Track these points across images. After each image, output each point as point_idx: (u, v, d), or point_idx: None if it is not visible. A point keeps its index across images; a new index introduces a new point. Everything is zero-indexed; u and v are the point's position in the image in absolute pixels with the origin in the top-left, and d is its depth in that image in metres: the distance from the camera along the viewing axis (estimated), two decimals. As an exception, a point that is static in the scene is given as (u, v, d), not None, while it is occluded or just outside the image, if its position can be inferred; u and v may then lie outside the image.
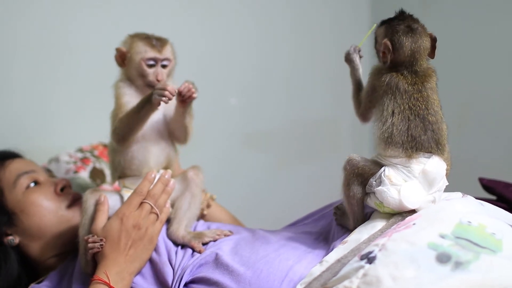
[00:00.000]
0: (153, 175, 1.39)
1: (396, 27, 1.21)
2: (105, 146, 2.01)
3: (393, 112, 1.17)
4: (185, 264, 1.32)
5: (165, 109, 1.44)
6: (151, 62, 1.40)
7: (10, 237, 1.51)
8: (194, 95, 1.38)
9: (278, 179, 2.80)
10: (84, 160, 1.91)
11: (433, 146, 1.16)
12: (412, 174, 1.15)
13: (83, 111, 2.15)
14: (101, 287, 1.26)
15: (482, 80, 2.46)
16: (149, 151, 1.43)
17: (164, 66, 1.42)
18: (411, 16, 1.24)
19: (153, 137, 1.43)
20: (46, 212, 1.51)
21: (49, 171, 1.72)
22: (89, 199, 1.42)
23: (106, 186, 1.87)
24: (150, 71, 1.40)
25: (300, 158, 2.90)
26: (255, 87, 2.71)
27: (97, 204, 1.39)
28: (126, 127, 1.39)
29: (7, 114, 2.01)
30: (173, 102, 1.42)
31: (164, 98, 1.29)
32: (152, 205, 1.36)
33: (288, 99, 2.84)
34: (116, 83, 1.46)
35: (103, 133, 2.08)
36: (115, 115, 1.42)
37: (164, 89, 1.29)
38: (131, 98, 1.42)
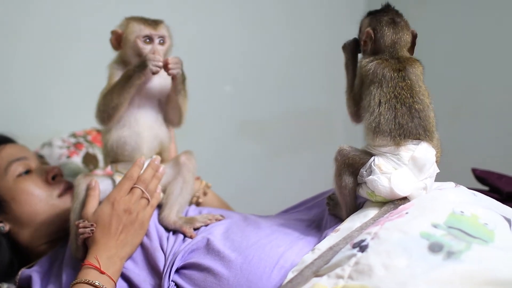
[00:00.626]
0: (142, 161, 1.39)
1: (380, 18, 1.25)
2: (98, 131, 2.00)
3: (379, 102, 1.18)
4: (176, 249, 1.32)
5: (160, 92, 1.44)
6: (147, 40, 1.40)
7: (0, 224, 1.51)
8: (172, 71, 1.37)
9: (272, 168, 2.80)
10: (77, 145, 1.91)
11: (421, 133, 1.17)
12: (402, 162, 1.16)
13: (76, 96, 2.14)
14: (92, 271, 1.26)
15: (476, 72, 2.47)
16: (142, 137, 1.42)
17: (160, 44, 1.42)
18: (396, 10, 1.27)
19: (146, 122, 1.43)
20: (37, 200, 1.51)
21: (41, 157, 1.71)
22: (81, 183, 1.41)
23: (98, 171, 1.86)
24: (146, 47, 1.39)
25: (294, 147, 2.90)
26: (250, 75, 2.70)
27: (88, 189, 1.39)
28: (110, 103, 1.39)
29: (0, 100, 2.00)
30: (168, 83, 1.42)
31: (154, 62, 1.32)
32: (143, 189, 1.36)
33: (283, 88, 2.83)
34: (110, 64, 1.46)
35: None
36: (104, 94, 1.42)
37: (154, 56, 1.33)
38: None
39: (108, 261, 1.28)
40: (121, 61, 1.45)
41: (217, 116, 2.56)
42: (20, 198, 1.50)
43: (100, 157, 1.92)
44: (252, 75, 2.71)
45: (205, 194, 1.61)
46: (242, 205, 1.92)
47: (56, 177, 1.56)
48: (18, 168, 1.52)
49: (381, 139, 1.17)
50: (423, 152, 1.15)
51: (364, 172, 1.18)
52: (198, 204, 1.59)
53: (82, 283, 1.24)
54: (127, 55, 1.42)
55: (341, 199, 1.23)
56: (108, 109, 1.39)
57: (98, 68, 1.48)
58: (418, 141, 1.17)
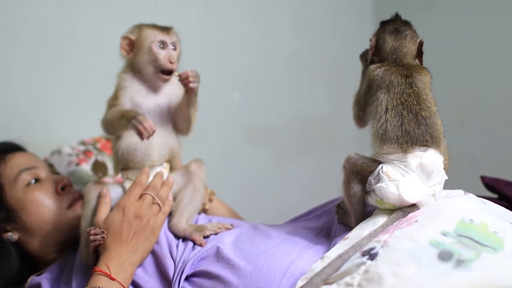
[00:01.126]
0: (147, 170, 1.41)
1: (385, 27, 1.27)
2: (107, 139, 2.01)
3: (386, 108, 1.19)
4: (186, 257, 1.32)
5: (170, 101, 1.45)
6: (161, 45, 1.41)
7: (9, 234, 1.50)
8: (191, 84, 1.38)
9: (278, 174, 2.80)
10: (86, 153, 1.91)
11: (428, 140, 1.17)
12: (410, 169, 1.16)
13: (85, 104, 2.14)
14: (102, 278, 1.26)
15: (484, 78, 2.47)
16: (152, 144, 1.42)
17: (173, 50, 1.43)
18: (403, 20, 1.29)
19: (156, 130, 1.43)
20: (47, 210, 1.51)
21: (51, 166, 1.71)
22: (92, 191, 1.42)
23: (108, 179, 1.87)
24: (162, 53, 1.40)
25: (300, 153, 2.90)
26: (257, 82, 2.71)
27: (99, 197, 1.39)
28: (110, 126, 1.42)
29: (10, 106, 2.01)
30: (179, 92, 1.42)
31: (140, 128, 1.31)
32: (153, 196, 1.36)
33: (289, 95, 2.84)
34: (120, 74, 1.46)
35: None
36: (110, 104, 1.43)
37: (142, 123, 1.31)
38: (130, 92, 1.42)
39: (119, 267, 1.29)
40: (131, 69, 1.45)
41: (223, 122, 2.57)
42: (30, 208, 1.50)
43: (109, 164, 1.92)
44: (259, 82, 2.72)
45: (210, 200, 1.62)
46: (248, 211, 1.92)
47: (66, 187, 1.56)
48: (27, 177, 1.52)
49: (389, 147, 1.18)
50: (430, 159, 1.16)
51: (373, 180, 1.18)
52: (204, 211, 1.59)
53: None
54: (140, 61, 1.43)
55: (350, 207, 1.23)
56: (109, 129, 1.44)
57: (108, 76, 1.49)
58: (426, 148, 1.17)
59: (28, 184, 1.52)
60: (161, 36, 1.40)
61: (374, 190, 1.18)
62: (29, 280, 1.46)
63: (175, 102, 1.45)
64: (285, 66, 2.80)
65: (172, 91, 1.45)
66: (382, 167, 1.18)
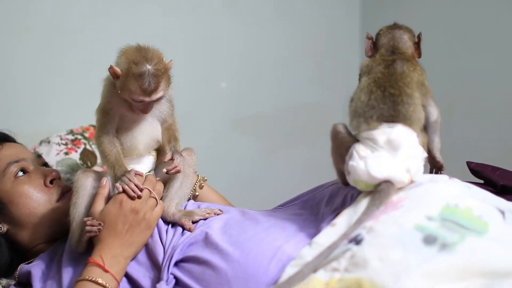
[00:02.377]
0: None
1: (382, 28, 1.32)
2: (95, 127, 2.01)
3: (361, 89, 1.21)
4: (175, 243, 1.32)
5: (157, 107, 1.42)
6: (140, 102, 1.32)
7: None
8: (180, 169, 1.38)
9: (269, 163, 2.81)
10: (75, 142, 1.91)
11: (393, 115, 1.17)
12: (378, 145, 1.16)
13: (73, 93, 2.15)
14: (96, 269, 1.27)
15: (471, 65, 2.49)
16: (137, 139, 1.41)
17: (154, 102, 1.35)
18: (401, 25, 1.32)
19: (139, 129, 1.41)
20: (36, 204, 1.50)
21: (39, 156, 1.70)
22: (80, 179, 1.41)
23: (97, 168, 1.87)
24: (138, 105, 1.33)
25: (290, 142, 2.90)
26: (246, 71, 2.71)
27: (98, 187, 1.39)
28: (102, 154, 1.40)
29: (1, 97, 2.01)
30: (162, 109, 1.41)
31: (126, 188, 1.31)
32: (151, 189, 1.36)
33: (279, 83, 2.84)
34: (106, 84, 1.39)
35: (93, 116, 2.09)
36: (98, 115, 1.40)
37: (129, 184, 1.31)
38: (115, 107, 1.38)
39: (112, 260, 1.29)
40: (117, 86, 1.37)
41: (213, 112, 2.57)
42: (18, 201, 1.49)
43: (97, 153, 1.92)
44: (247, 71, 2.72)
45: (201, 187, 1.62)
46: (238, 200, 1.93)
47: (54, 180, 1.55)
48: (16, 170, 1.51)
49: (357, 122, 1.19)
50: (398, 134, 1.15)
51: (347, 159, 1.19)
52: (194, 197, 1.59)
53: (86, 280, 1.25)
54: (123, 94, 1.34)
55: (337, 170, 1.27)
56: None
57: (95, 66, 1.48)
58: (394, 124, 1.17)
59: (16, 176, 1.51)
60: (140, 97, 1.30)
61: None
62: (18, 268, 1.45)
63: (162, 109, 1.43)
64: (275, 55, 2.80)
65: (155, 111, 1.42)
66: (354, 146, 1.18)
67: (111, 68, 1.31)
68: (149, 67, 1.27)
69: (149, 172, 1.44)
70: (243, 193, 2.34)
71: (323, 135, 3.05)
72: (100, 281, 1.24)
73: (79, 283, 1.26)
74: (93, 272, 1.26)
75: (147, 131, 1.43)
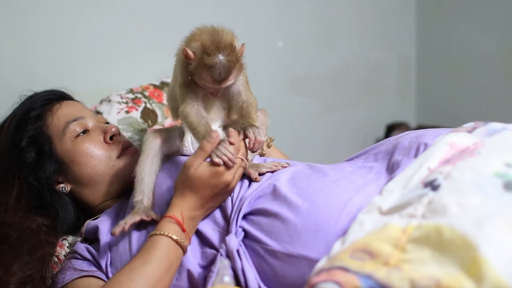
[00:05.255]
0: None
1: None
2: (155, 87, 2.02)
3: None
4: (242, 195, 1.32)
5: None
6: (211, 90, 1.32)
7: (62, 185, 1.52)
8: (260, 140, 1.31)
9: (323, 124, 2.80)
10: (135, 101, 1.91)
11: None
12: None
13: (133, 52, 2.16)
14: (174, 226, 1.26)
15: None
16: (209, 111, 1.40)
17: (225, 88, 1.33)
18: None
19: (211, 103, 1.40)
20: (97, 162, 1.51)
21: (98, 113, 1.71)
22: (149, 138, 1.43)
23: (158, 126, 1.88)
24: (209, 89, 1.32)
25: (345, 103, 2.88)
26: (302, 31, 2.69)
27: (206, 141, 1.30)
28: (189, 128, 1.36)
29: (59, 55, 2.03)
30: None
31: (217, 161, 1.25)
32: (244, 158, 1.32)
33: (335, 43, 2.82)
34: (178, 59, 1.38)
35: (152, 75, 2.10)
36: (180, 90, 1.36)
37: (226, 154, 1.25)
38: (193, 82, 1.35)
39: (189, 220, 1.28)
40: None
41: (269, 71, 2.56)
42: (80, 160, 1.50)
43: (158, 111, 1.93)
44: (304, 31, 2.69)
45: (268, 146, 1.60)
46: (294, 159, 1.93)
47: (114, 136, 1.56)
48: (75, 128, 1.52)
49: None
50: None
51: None
52: (261, 155, 1.58)
53: (162, 235, 1.25)
54: (195, 78, 1.32)
55: None
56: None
57: (153, 26, 1.46)
58: None
59: (77, 135, 1.52)
60: (210, 85, 1.29)
61: None
62: (85, 224, 1.48)
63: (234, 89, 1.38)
64: (331, 15, 2.77)
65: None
66: None
67: (184, 51, 1.28)
68: (221, 57, 1.25)
69: (221, 127, 1.43)
70: (296, 153, 2.33)
71: (378, 95, 3.04)
72: (176, 238, 1.24)
73: (155, 237, 1.25)
74: (170, 228, 1.25)
75: (218, 103, 1.42)
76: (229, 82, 1.30)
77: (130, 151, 1.56)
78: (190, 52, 1.28)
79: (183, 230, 1.26)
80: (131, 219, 1.33)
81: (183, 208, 1.27)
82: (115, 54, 2.13)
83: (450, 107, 2.97)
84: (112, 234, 1.32)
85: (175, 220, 1.26)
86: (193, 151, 1.46)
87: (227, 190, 1.29)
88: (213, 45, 1.26)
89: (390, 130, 2.89)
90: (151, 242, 1.25)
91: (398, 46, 3.02)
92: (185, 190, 1.28)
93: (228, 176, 1.27)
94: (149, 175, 1.40)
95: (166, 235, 1.24)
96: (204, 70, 1.26)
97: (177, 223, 1.26)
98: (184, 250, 1.26)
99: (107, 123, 1.66)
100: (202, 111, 1.35)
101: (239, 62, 1.30)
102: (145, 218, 1.34)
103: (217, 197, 1.30)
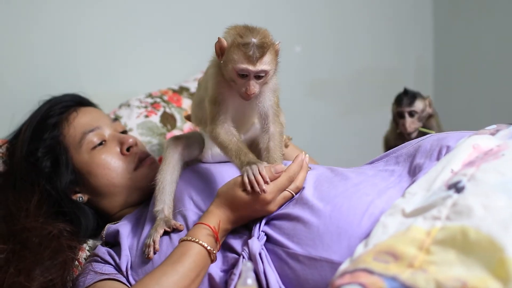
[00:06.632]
0: (302, 158, 1.32)
1: None
2: (174, 91, 2.03)
3: None
4: None
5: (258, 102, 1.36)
6: (242, 74, 1.25)
7: (79, 195, 1.53)
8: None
9: (341, 128, 2.79)
10: (154, 105, 1.92)
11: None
12: None
13: (151, 57, 2.17)
14: (208, 235, 1.24)
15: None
16: (239, 123, 1.39)
17: (259, 77, 1.27)
18: None
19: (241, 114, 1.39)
20: (114, 174, 1.51)
21: (116, 119, 1.71)
22: (170, 146, 1.44)
23: (176, 131, 1.88)
24: (241, 81, 1.26)
25: (364, 107, 2.87)
26: (320, 35, 2.69)
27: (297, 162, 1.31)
28: (220, 148, 1.35)
29: (79, 59, 2.05)
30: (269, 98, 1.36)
31: (247, 181, 1.24)
32: (294, 194, 1.30)
33: (352, 48, 2.82)
34: (211, 72, 1.35)
35: (170, 79, 2.11)
36: (210, 106, 1.34)
37: (254, 177, 1.23)
38: (226, 97, 1.33)
39: (222, 232, 1.28)
40: (220, 69, 1.32)
41: (288, 76, 2.56)
42: (96, 172, 1.51)
43: (177, 116, 1.94)
44: (321, 35, 2.69)
45: (286, 146, 1.60)
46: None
47: (131, 148, 1.55)
48: (92, 139, 1.52)
49: None
50: None
51: None
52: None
53: (194, 242, 1.23)
54: (226, 74, 1.30)
55: None
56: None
57: (173, 31, 1.46)
58: None
59: (94, 147, 1.52)
60: (243, 66, 1.23)
61: None
62: (105, 228, 1.47)
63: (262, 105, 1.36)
64: (348, 19, 2.77)
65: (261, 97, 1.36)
66: None
67: (218, 41, 1.26)
68: (254, 39, 1.22)
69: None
70: (316, 157, 2.32)
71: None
72: (209, 248, 1.23)
73: (187, 243, 1.24)
74: (204, 236, 1.24)
75: (247, 115, 1.41)
76: (263, 66, 1.24)
77: (147, 162, 1.56)
78: (223, 40, 1.26)
79: (217, 240, 1.25)
80: (156, 235, 1.33)
81: (222, 218, 1.27)
82: (134, 58, 2.14)
83: (468, 110, 2.95)
84: (147, 258, 1.31)
85: (211, 230, 1.25)
86: (211, 160, 1.49)
87: (265, 209, 1.27)
88: (247, 30, 1.25)
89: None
90: (183, 248, 1.24)
91: (416, 51, 3.01)
92: (226, 204, 1.27)
93: (272, 207, 1.27)
94: (170, 183, 1.41)
95: (199, 243, 1.23)
96: (237, 50, 1.23)
97: (212, 232, 1.25)
98: (213, 260, 1.26)
99: (125, 130, 1.66)
100: (233, 130, 1.33)
101: (274, 52, 1.28)
102: (167, 229, 1.34)
103: (252, 217, 1.29)
